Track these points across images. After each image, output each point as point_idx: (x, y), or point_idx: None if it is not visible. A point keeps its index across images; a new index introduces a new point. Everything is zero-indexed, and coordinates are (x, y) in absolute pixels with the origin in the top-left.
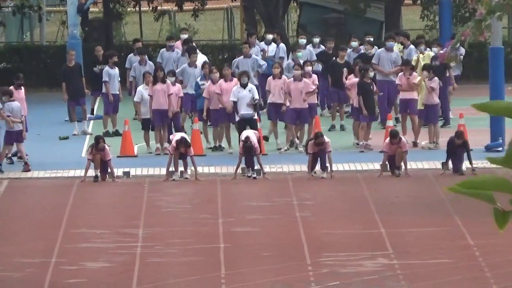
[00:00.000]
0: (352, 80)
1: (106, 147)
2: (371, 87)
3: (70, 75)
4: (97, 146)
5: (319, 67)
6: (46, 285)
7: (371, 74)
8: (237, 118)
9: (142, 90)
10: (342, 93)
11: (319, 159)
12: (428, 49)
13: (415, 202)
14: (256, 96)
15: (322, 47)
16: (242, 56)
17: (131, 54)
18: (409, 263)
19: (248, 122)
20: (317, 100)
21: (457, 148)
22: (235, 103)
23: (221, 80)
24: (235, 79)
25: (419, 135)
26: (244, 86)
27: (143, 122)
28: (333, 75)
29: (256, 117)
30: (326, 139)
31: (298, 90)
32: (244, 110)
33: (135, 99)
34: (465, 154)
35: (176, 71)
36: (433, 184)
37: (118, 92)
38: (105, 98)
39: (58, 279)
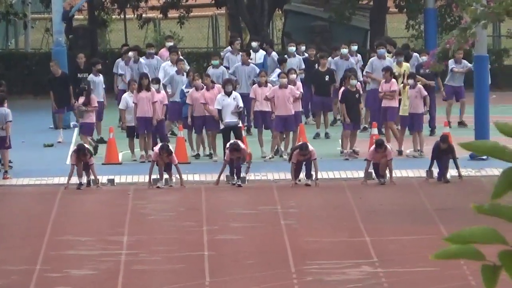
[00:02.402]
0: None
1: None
2: (356, 95)
3: (56, 84)
4: (79, 152)
5: (302, 75)
6: None
7: (354, 82)
8: (221, 126)
9: (127, 98)
10: (326, 101)
11: (304, 166)
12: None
13: (400, 210)
14: (241, 104)
15: (306, 55)
16: (240, 63)
17: (119, 59)
18: (394, 271)
19: (232, 130)
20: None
21: (443, 153)
22: (219, 111)
23: (204, 89)
24: (217, 87)
25: (402, 142)
26: (228, 94)
27: (127, 129)
28: (316, 82)
29: (240, 125)
30: (311, 147)
31: (284, 97)
32: (229, 118)
33: (120, 106)
34: (451, 161)
35: (165, 79)
36: (418, 192)
37: (102, 100)
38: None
39: (43, 287)
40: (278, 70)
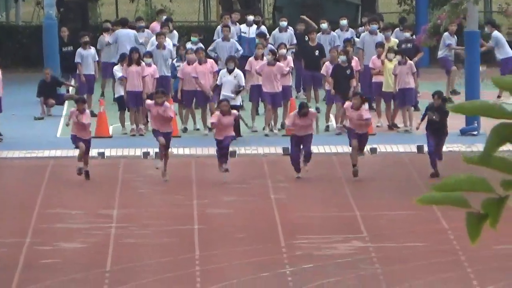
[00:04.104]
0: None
1: (87, 111)
2: (347, 71)
3: (47, 90)
4: (79, 101)
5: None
6: (20, 265)
7: (343, 58)
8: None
9: (117, 70)
10: (317, 75)
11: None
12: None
13: (390, 185)
14: (242, 83)
15: (291, 29)
16: (220, 39)
17: (102, 35)
18: (384, 246)
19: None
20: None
21: (435, 123)
22: (219, 86)
23: (196, 63)
24: (209, 61)
25: (391, 116)
26: (230, 71)
27: (119, 102)
28: (306, 57)
29: (238, 103)
30: (311, 110)
31: (271, 74)
32: (226, 94)
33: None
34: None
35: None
36: (408, 167)
37: (93, 73)
38: (78, 79)
39: (33, 259)
40: (270, 46)
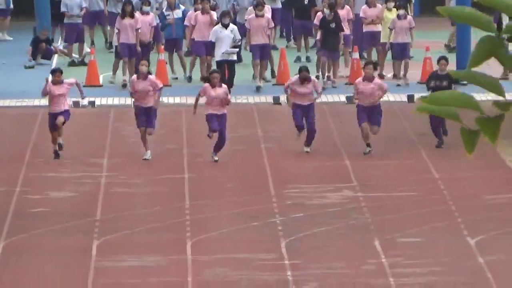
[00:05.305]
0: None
1: (65, 81)
2: (331, 25)
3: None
4: (55, 73)
5: None
6: (10, 214)
7: (327, 11)
8: (216, 58)
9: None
10: (307, 24)
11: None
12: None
13: (381, 135)
14: (238, 37)
15: None
16: None
17: None
18: (374, 196)
19: (227, 63)
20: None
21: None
22: (213, 44)
23: (198, 13)
24: (212, 12)
25: (383, 67)
26: (225, 26)
27: (116, 50)
28: (296, 6)
29: (235, 58)
30: (315, 79)
31: (260, 26)
32: (225, 51)
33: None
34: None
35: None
36: (399, 117)
37: (81, 21)
38: (66, 27)
39: (22, 208)
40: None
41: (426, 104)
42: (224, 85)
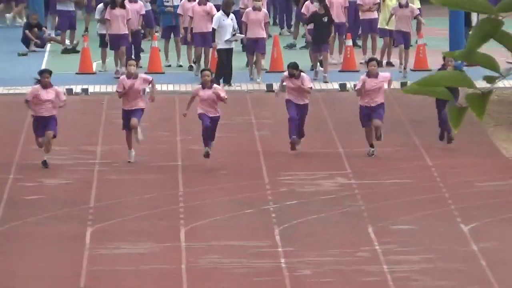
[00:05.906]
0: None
1: (55, 87)
2: (323, 19)
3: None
4: (42, 78)
5: None
6: (3, 202)
7: (316, 4)
8: (218, 46)
9: (101, 8)
10: (299, 11)
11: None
12: None
13: None
14: (236, 26)
15: None
16: None
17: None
18: (368, 183)
19: (227, 51)
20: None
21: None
22: (215, 30)
23: (195, 3)
24: (209, 4)
25: (384, 55)
26: (227, 14)
27: (101, 39)
28: None
29: (232, 46)
30: (305, 75)
31: (258, 20)
32: (229, 37)
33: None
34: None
35: None
36: (392, 104)
37: (72, 9)
38: (59, 14)
39: (16, 195)
40: None
41: (414, 87)
42: (215, 85)
